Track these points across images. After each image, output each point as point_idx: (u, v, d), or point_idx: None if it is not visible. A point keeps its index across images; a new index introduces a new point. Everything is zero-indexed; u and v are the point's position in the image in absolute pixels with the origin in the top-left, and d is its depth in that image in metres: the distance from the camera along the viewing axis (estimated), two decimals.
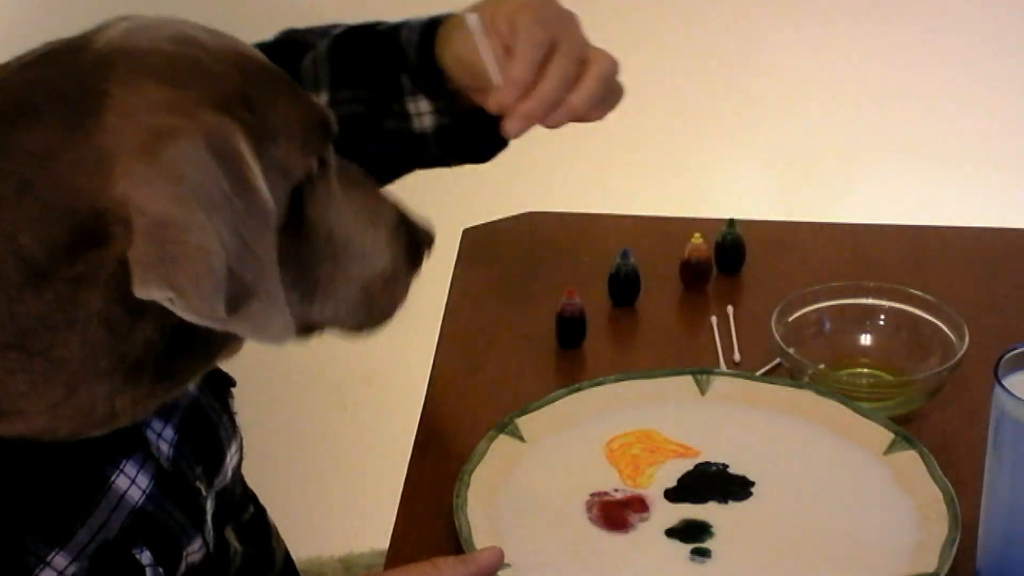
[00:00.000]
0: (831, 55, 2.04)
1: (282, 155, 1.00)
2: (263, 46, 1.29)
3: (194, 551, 1.11)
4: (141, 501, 1.06)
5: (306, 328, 1.08)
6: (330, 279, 1.07)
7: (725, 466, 1.23)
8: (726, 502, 1.19)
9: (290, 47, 1.33)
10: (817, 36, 2.04)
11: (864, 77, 2.05)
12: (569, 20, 1.25)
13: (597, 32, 2.03)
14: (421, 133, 1.30)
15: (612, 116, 2.09)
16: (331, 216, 1.05)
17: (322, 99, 1.29)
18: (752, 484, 1.21)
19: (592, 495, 1.20)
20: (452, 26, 1.27)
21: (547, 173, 2.10)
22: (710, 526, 1.17)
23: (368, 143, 1.28)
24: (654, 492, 1.20)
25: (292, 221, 1.02)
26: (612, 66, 1.25)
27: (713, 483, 1.21)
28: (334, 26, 1.35)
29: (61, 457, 1.02)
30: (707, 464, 1.23)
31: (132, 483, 1.05)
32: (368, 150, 1.27)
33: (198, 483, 1.12)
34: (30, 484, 1.00)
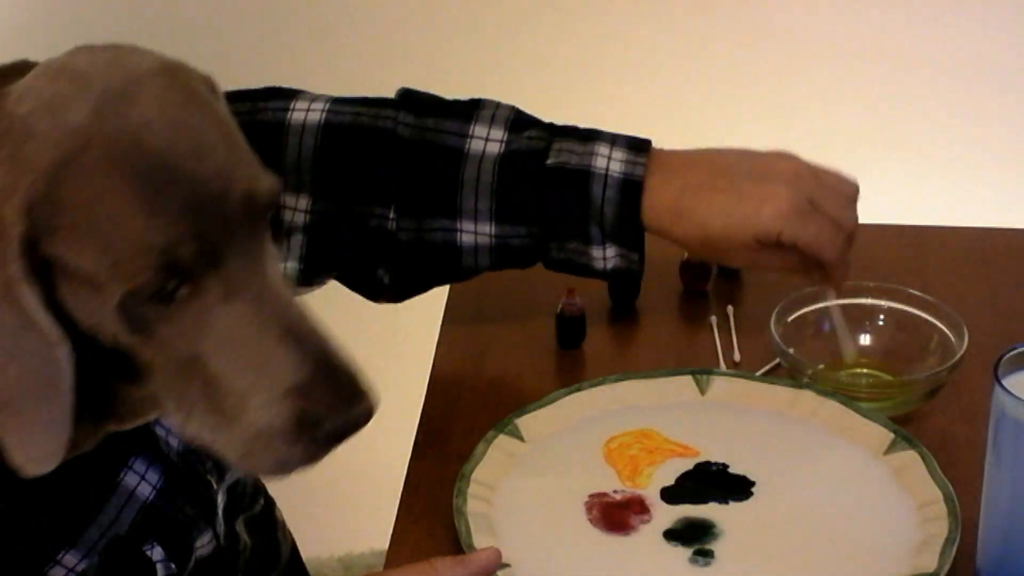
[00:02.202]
0: (831, 55, 2.04)
1: (93, 266, 0.91)
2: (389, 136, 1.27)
3: (204, 544, 1.11)
4: (151, 497, 1.06)
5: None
6: (192, 402, 0.96)
7: (725, 466, 1.23)
8: (726, 502, 1.19)
9: (429, 149, 1.28)
10: (817, 36, 2.04)
11: (864, 77, 2.05)
12: (822, 180, 1.30)
13: (597, 32, 2.03)
14: (600, 270, 1.31)
15: (612, 116, 2.09)
16: (194, 344, 0.94)
17: (484, 229, 1.27)
18: (752, 484, 1.21)
19: (591, 496, 1.20)
20: (669, 208, 1.27)
21: None
22: (713, 526, 1.17)
23: (532, 262, 1.31)
24: (654, 493, 1.20)
25: (143, 331, 0.93)
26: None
27: (713, 483, 1.21)
28: (480, 118, 1.30)
29: (69, 457, 1.02)
30: (707, 464, 1.23)
31: (142, 479, 1.06)
32: (524, 265, 1.32)
33: (209, 476, 1.12)
34: (40, 485, 1.00)
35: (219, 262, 0.93)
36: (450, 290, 1.47)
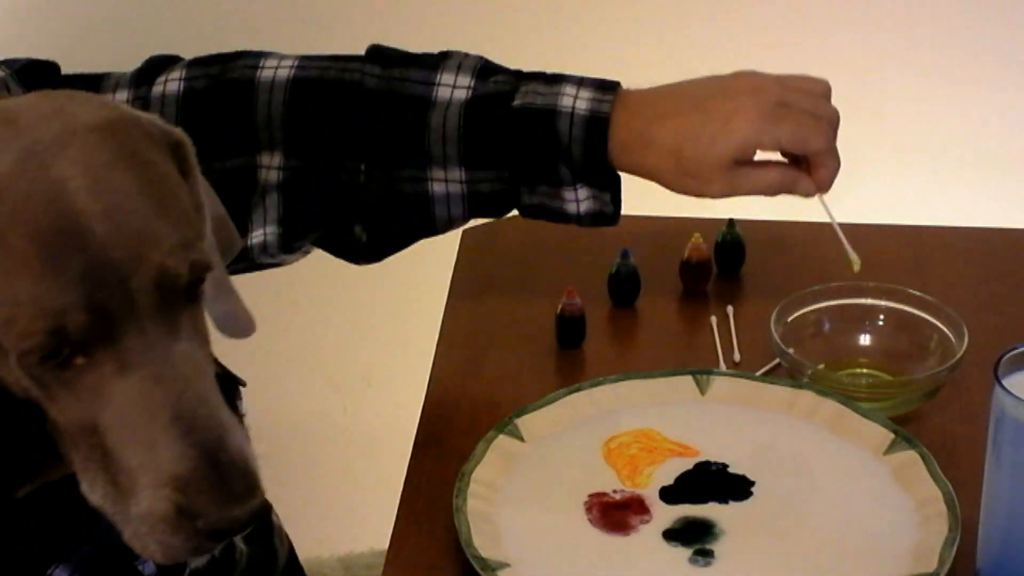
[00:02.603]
0: (831, 55, 2.04)
1: None
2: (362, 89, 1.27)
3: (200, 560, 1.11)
4: None
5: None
6: (92, 468, 0.93)
7: (725, 466, 1.23)
8: (726, 502, 1.19)
9: (397, 100, 1.28)
10: (816, 36, 2.04)
11: (864, 77, 2.05)
12: (795, 86, 1.30)
13: (597, 31, 2.03)
14: (573, 214, 1.30)
15: None
16: (87, 414, 0.91)
17: (454, 175, 1.27)
18: (752, 484, 1.21)
19: (591, 496, 1.20)
20: (635, 139, 1.27)
21: None
22: (713, 526, 1.17)
23: (505, 210, 1.31)
24: (653, 493, 1.20)
25: (44, 388, 0.91)
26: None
27: (713, 483, 1.21)
28: (446, 67, 1.30)
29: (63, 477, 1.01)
30: (707, 464, 1.23)
31: None
32: (502, 214, 1.31)
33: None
34: (34, 500, 1.00)
35: (116, 337, 0.90)
36: (450, 290, 1.47)
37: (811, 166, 1.30)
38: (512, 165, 1.27)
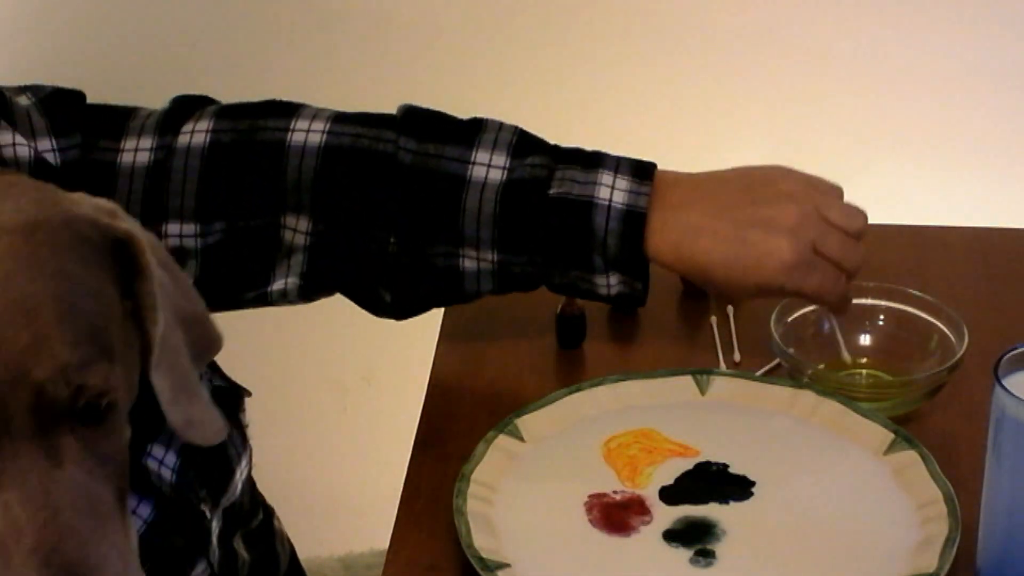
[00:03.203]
0: (831, 54, 2.04)
1: None
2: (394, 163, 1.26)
3: (199, 574, 1.10)
4: (141, 531, 1.04)
5: None
6: None
7: (725, 466, 1.23)
8: (726, 502, 1.19)
9: (432, 178, 1.27)
10: (817, 35, 2.04)
11: (864, 76, 2.05)
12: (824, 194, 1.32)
13: (596, 31, 2.03)
14: (604, 295, 1.30)
15: (612, 116, 2.09)
16: None
17: (486, 255, 1.27)
18: (752, 484, 1.21)
19: (591, 496, 1.20)
20: (664, 243, 1.27)
21: None
22: (714, 526, 1.17)
23: (535, 287, 1.31)
24: (653, 493, 1.20)
25: None
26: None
27: (713, 483, 1.21)
28: (482, 143, 1.28)
29: None
30: (707, 464, 1.23)
31: (132, 514, 1.04)
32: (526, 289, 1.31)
33: (203, 506, 1.11)
34: None
35: None
36: None
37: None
38: (545, 251, 1.26)
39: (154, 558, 1.04)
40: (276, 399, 2.16)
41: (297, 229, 1.26)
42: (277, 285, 1.28)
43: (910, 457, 1.21)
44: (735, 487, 1.21)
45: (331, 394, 2.23)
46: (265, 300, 1.30)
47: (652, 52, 2.04)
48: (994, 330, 1.36)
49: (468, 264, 1.27)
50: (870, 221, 1.48)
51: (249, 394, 1.19)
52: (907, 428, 1.24)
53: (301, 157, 1.25)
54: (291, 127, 1.26)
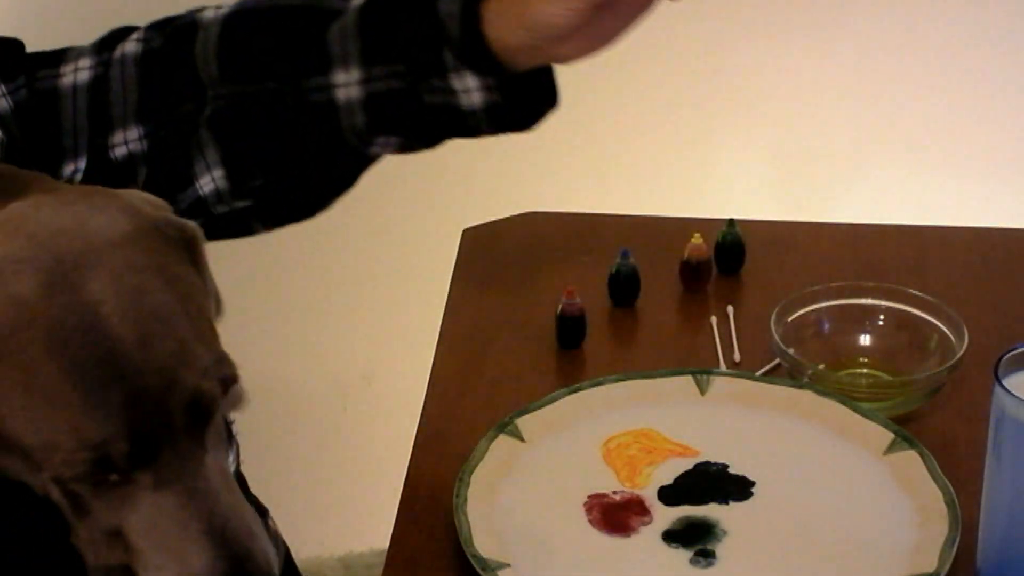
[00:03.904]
0: (831, 55, 2.04)
1: (22, 436, 0.89)
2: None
3: None
4: None
5: None
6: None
7: (725, 466, 1.23)
8: (726, 503, 1.19)
9: (315, 13, 1.24)
10: (817, 36, 2.04)
11: (864, 77, 2.05)
12: None
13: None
14: (469, 110, 1.23)
15: (612, 116, 2.09)
16: (114, 526, 0.92)
17: (353, 75, 1.22)
18: (752, 484, 1.21)
19: (591, 497, 1.20)
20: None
21: (547, 173, 2.10)
22: (714, 526, 1.17)
23: (407, 119, 1.24)
24: (653, 493, 1.20)
25: (72, 499, 0.92)
26: None
27: (713, 483, 1.21)
28: None
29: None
30: (707, 464, 1.23)
31: None
32: (406, 125, 1.24)
33: None
34: (5, 520, 1.00)
35: (154, 459, 0.90)
36: (450, 290, 1.47)
37: None
38: (404, 55, 1.21)
39: None
40: (276, 399, 2.16)
41: (205, 113, 1.24)
42: (205, 184, 1.25)
43: (910, 457, 1.21)
44: (735, 487, 1.21)
45: (331, 394, 2.23)
46: (203, 208, 1.26)
47: (652, 52, 2.04)
48: (994, 330, 1.36)
49: (339, 94, 1.22)
50: (870, 221, 1.48)
51: None
52: (907, 428, 1.24)
53: (207, 30, 1.25)
54: (204, 8, 1.27)
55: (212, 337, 0.95)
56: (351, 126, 1.23)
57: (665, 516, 1.18)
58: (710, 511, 1.18)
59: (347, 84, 1.22)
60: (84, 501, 0.92)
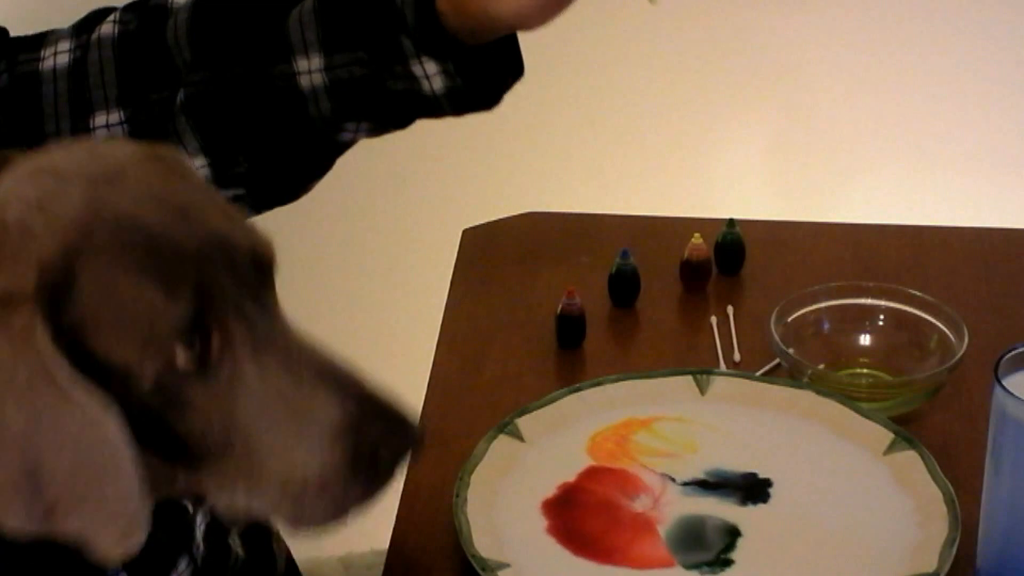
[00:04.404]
0: (831, 55, 2.04)
1: (121, 347, 0.90)
2: None
3: (181, 571, 1.10)
4: None
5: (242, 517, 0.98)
6: (237, 471, 0.95)
7: (726, 467, 1.23)
8: (743, 504, 1.19)
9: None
10: (817, 36, 2.04)
11: (864, 77, 2.05)
12: None
13: (596, 31, 2.03)
14: (431, 95, 1.22)
15: (612, 116, 2.09)
16: (232, 406, 0.93)
17: (315, 63, 1.21)
18: (769, 484, 1.21)
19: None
20: None
21: (547, 173, 2.10)
22: (715, 527, 1.17)
23: (373, 105, 1.23)
24: (654, 486, 1.20)
25: (177, 406, 0.92)
26: None
27: (713, 484, 1.21)
28: None
29: None
30: (707, 464, 1.23)
31: None
32: (373, 110, 1.23)
33: (185, 501, 1.11)
34: None
35: (242, 314, 0.93)
36: (450, 290, 1.47)
37: None
38: (365, 43, 1.21)
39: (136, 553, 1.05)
40: None
41: (179, 98, 1.24)
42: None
43: (910, 457, 1.21)
44: (750, 488, 1.21)
45: None
46: None
47: (653, 52, 2.04)
48: (994, 330, 1.36)
49: (303, 81, 1.22)
50: (870, 221, 1.48)
51: None
52: (907, 428, 1.24)
53: (177, 14, 1.25)
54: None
55: (243, 216, 0.98)
56: (318, 112, 1.23)
57: (665, 518, 1.18)
58: (710, 511, 1.18)
59: (309, 71, 1.22)
60: (191, 401, 0.92)
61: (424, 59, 1.20)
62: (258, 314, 0.94)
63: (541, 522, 1.17)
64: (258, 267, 0.95)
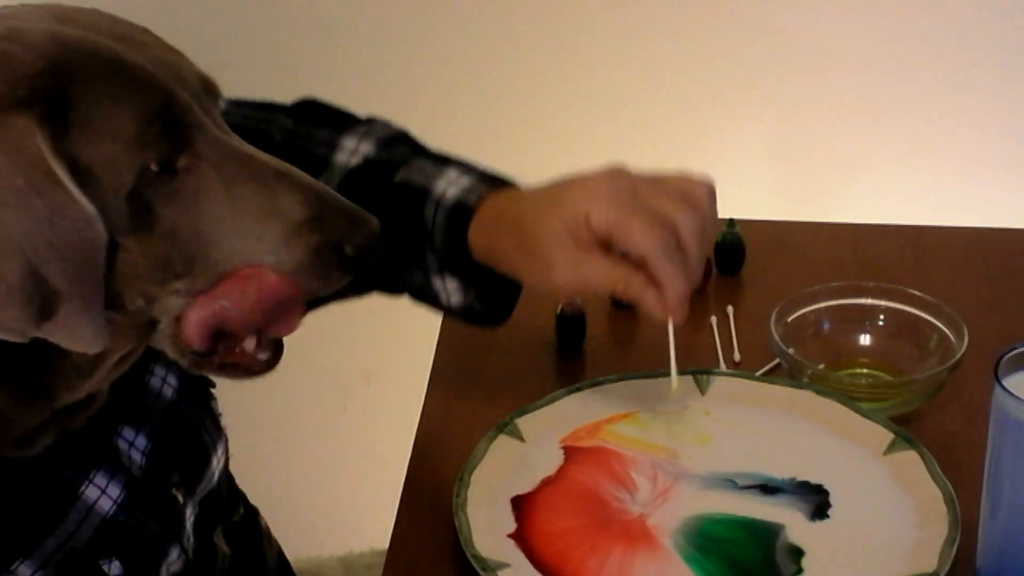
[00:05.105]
0: (832, 55, 2.04)
1: (103, 154, 0.94)
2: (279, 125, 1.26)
3: (174, 560, 1.11)
4: (112, 511, 1.05)
5: (214, 334, 1.01)
6: (206, 279, 0.98)
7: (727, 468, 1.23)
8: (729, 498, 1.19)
9: (305, 162, 1.20)
10: (818, 36, 2.04)
11: (864, 77, 2.05)
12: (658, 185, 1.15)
13: (596, 31, 2.03)
14: (446, 306, 1.24)
15: (612, 116, 2.09)
16: (198, 213, 0.97)
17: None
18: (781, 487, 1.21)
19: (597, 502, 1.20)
20: (492, 218, 1.17)
21: (547, 173, 2.10)
22: (716, 527, 1.17)
23: (391, 288, 1.26)
24: (650, 480, 1.20)
25: (145, 217, 0.96)
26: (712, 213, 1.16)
27: (714, 484, 1.21)
28: (355, 131, 1.25)
29: (29, 469, 1.01)
30: (711, 465, 1.23)
31: (103, 493, 1.05)
32: (380, 286, 1.26)
33: (175, 491, 1.12)
34: None
35: (201, 127, 0.97)
36: None
37: (657, 283, 1.12)
38: (387, 242, 1.17)
39: (126, 540, 1.05)
40: (276, 399, 2.16)
41: None
42: None
43: (910, 457, 1.21)
44: (736, 487, 1.21)
45: (331, 394, 2.23)
46: None
47: (652, 52, 2.04)
48: (994, 330, 1.36)
49: None
50: (870, 221, 1.48)
51: (213, 384, 1.19)
52: (907, 428, 1.24)
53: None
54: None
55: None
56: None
57: (666, 518, 1.18)
58: (711, 511, 1.18)
59: None
60: (159, 212, 0.96)
61: (447, 276, 1.21)
62: (215, 128, 0.98)
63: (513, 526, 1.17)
64: (207, 90, 1.00)
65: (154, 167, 0.95)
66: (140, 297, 0.97)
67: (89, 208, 0.92)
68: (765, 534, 1.16)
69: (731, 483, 1.21)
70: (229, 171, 0.98)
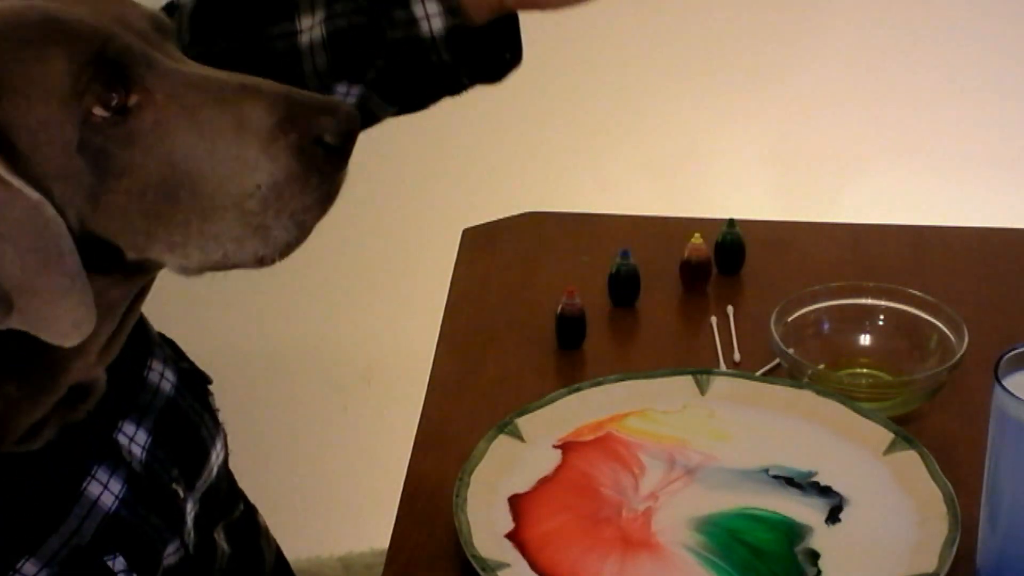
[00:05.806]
0: (831, 55, 2.04)
1: (38, 117, 0.93)
2: None
3: (170, 554, 1.11)
4: (115, 507, 1.05)
5: (201, 270, 0.99)
6: (190, 217, 0.96)
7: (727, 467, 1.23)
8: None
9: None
10: (818, 37, 2.04)
11: (864, 77, 2.05)
12: None
13: (596, 31, 2.03)
14: (430, 37, 1.20)
15: (612, 116, 2.09)
16: (165, 148, 0.95)
17: (318, 16, 1.20)
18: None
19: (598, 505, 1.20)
20: None
21: (547, 173, 2.10)
22: (716, 527, 1.17)
23: (373, 58, 1.21)
24: (651, 496, 1.20)
25: (107, 165, 0.94)
26: None
27: (714, 484, 1.21)
28: None
29: (31, 466, 1.01)
30: (709, 464, 1.23)
31: (105, 489, 1.05)
32: (367, 68, 1.21)
33: (175, 485, 1.12)
34: (1, 491, 1.00)
35: (149, 62, 0.95)
36: (450, 290, 1.47)
37: None
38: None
39: (129, 535, 1.05)
40: (276, 399, 2.16)
41: None
42: None
43: (910, 457, 1.21)
44: (736, 486, 1.21)
45: (331, 394, 2.23)
46: None
47: (653, 52, 2.04)
48: (994, 330, 1.36)
49: (303, 39, 1.21)
50: (870, 221, 1.48)
51: (211, 381, 1.19)
52: (907, 428, 1.24)
53: (181, 9, 1.24)
54: None
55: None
56: (312, 69, 1.21)
57: (667, 520, 1.18)
58: (711, 511, 1.18)
59: (311, 27, 1.21)
60: (120, 159, 0.94)
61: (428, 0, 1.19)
62: (165, 60, 0.96)
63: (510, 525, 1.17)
64: (158, 28, 0.98)
65: (99, 112, 0.93)
66: (140, 236, 0.96)
67: (32, 195, 0.91)
68: (790, 534, 1.16)
69: (761, 474, 1.20)
70: (187, 98, 0.95)
